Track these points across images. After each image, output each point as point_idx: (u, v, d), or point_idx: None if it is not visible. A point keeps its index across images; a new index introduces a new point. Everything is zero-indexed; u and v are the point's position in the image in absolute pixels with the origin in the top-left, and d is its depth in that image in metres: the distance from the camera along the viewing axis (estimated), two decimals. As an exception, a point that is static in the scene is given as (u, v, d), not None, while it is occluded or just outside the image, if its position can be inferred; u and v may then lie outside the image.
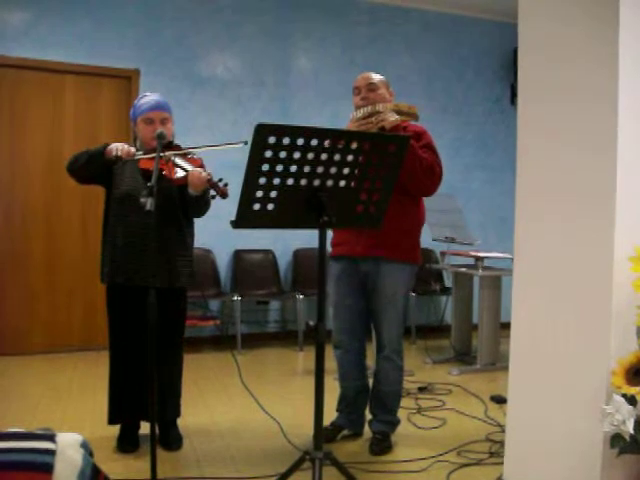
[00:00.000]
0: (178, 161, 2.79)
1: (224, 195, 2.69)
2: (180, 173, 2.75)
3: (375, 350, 3.09)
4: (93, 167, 2.82)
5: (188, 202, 2.85)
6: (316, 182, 2.12)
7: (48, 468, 0.98)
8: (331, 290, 3.08)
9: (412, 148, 2.80)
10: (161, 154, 2.57)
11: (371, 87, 2.98)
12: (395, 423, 3.12)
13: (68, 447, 1.04)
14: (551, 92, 2.27)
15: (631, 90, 1.98)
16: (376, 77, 3.03)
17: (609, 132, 1.98)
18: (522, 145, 2.44)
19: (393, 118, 2.81)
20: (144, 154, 2.83)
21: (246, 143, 2.63)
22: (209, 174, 2.72)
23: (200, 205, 2.87)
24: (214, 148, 2.87)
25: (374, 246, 2.90)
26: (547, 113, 2.29)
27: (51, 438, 1.04)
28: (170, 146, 2.87)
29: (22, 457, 0.98)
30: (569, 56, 2.17)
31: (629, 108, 1.98)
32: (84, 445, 1.09)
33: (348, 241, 2.96)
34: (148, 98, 2.93)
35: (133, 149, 2.80)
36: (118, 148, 2.74)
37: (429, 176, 2.86)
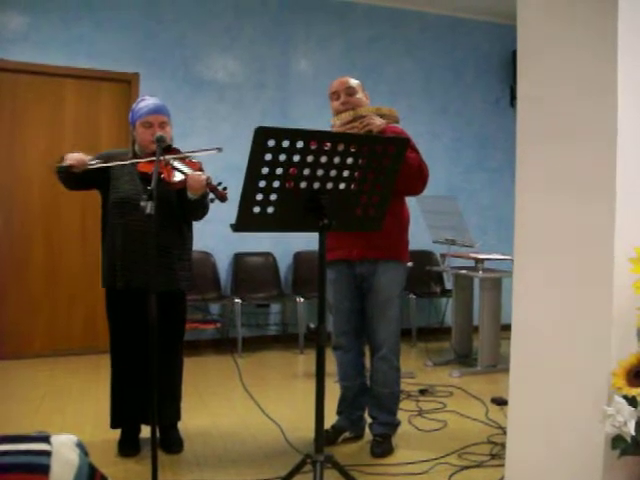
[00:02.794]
0: (177, 164, 2.80)
1: (223, 198, 2.69)
2: (179, 176, 2.76)
3: (370, 352, 3.09)
4: (63, 177, 2.83)
5: (187, 206, 2.85)
6: (316, 185, 2.12)
7: (44, 469, 0.98)
8: (329, 294, 3.08)
9: None
10: (160, 158, 2.57)
11: (349, 91, 2.98)
12: (395, 424, 3.12)
13: (63, 447, 1.03)
14: (550, 93, 2.27)
15: (631, 91, 1.98)
16: (353, 81, 3.02)
17: (609, 133, 1.98)
18: (521, 146, 2.44)
19: (379, 122, 2.84)
20: (142, 158, 2.83)
21: (220, 150, 2.70)
22: (208, 177, 2.72)
23: (199, 209, 2.87)
24: (190, 154, 2.89)
25: (370, 248, 2.93)
26: (546, 115, 2.29)
27: (46, 439, 1.04)
28: (169, 150, 2.87)
29: (18, 459, 0.98)
30: (568, 57, 2.17)
31: (629, 109, 1.98)
32: (79, 445, 1.08)
33: (343, 245, 2.97)
34: (147, 102, 2.93)
35: (87, 158, 2.78)
36: (68, 158, 2.74)
37: (418, 176, 2.89)
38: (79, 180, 2.84)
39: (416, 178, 2.89)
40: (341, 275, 3.03)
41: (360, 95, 3.00)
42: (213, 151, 2.74)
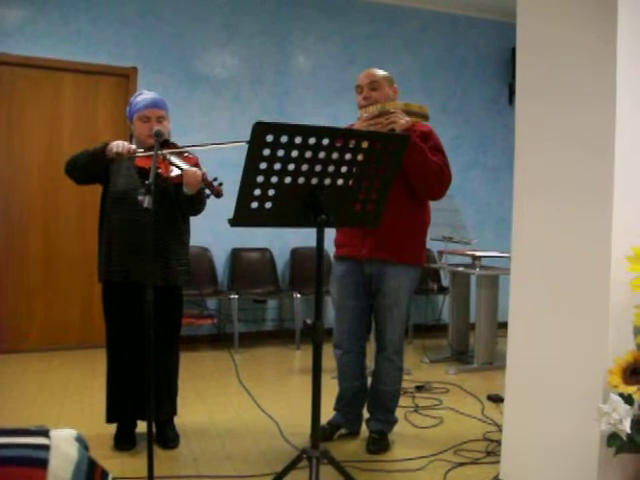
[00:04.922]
0: (174, 159, 2.79)
1: (219, 194, 2.68)
2: (175, 172, 2.75)
3: (375, 350, 3.08)
4: (95, 167, 2.82)
5: (183, 201, 2.84)
6: (314, 181, 2.12)
7: (43, 463, 0.97)
8: (333, 290, 3.06)
9: (422, 151, 2.77)
10: (158, 152, 2.57)
11: (373, 86, 2.92)
12: (392, 422, 3.12)
13: (62, 442, 1.03)
14: (549, 92, 2.27)
15: (629, 90, 1.98)
16: (379, 74, 2.95)
17: (607, 131, 1.98)
18: (520, 144, 2.44)
19: (404, 121, 2.76)
20: (143, 152, 2.83)
21: (248, 142, 2.66)
22: (204, 173, 2.71)
23: (194, 204, 2.87)
24: (217, 146, 2.87)
25: (380, 248, 2.88)
26: (545, 113, 2.29)
27: (45, 433, 1.03)
28: (166, 144, 2.86)
29: (16, 452, 0.97)
30: (567, 56, 2.17)
31: (627, 107, 1.98)
32: (79, 439, 1.08)
33: (353, 243, 2.94)
34: (144, 96, 2.92)
35: (134, 147, 2.80)
36: (119, 146, 2.74)
37: (438, 179, 2.82)
38: (96, 173, 2.85)
39: (436, 181, 2.82)
40: (349, 272, 2.99)
41: (386, 90, 2.93)
42: (241, 143, 2.68)
